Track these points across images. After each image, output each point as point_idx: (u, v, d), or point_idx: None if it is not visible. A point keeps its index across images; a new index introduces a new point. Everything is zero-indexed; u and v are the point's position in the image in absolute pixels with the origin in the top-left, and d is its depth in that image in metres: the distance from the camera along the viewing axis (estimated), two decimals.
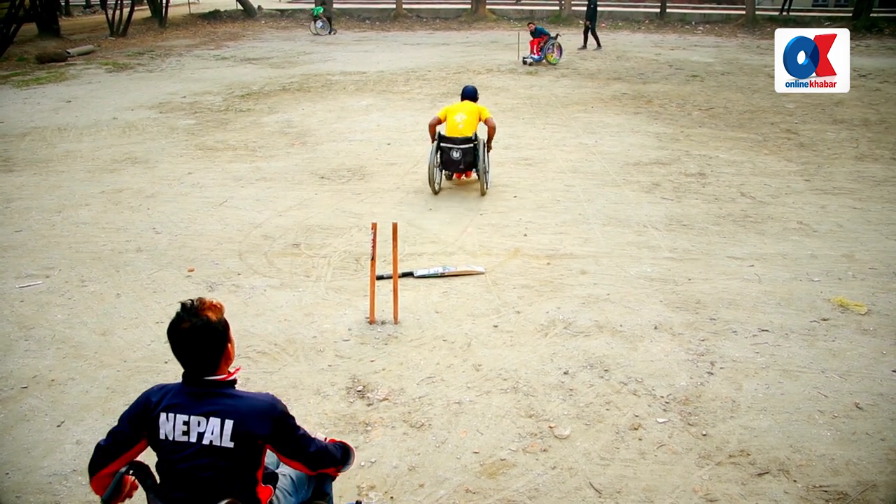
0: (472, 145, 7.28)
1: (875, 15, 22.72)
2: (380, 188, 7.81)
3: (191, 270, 5.76)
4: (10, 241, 6.39)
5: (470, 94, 7.66)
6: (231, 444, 2.14)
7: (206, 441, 2.15)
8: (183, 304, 2.16)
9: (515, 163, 8.73)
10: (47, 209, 7.20)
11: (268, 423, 2.17)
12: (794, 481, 3.40)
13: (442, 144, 7.33)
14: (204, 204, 7.33)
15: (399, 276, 5.12)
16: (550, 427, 3.81)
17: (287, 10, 29.45)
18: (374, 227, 4.79)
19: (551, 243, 6.29)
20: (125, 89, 13.87)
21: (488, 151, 7.55)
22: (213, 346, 2.16)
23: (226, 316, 2.22)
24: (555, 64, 16.55)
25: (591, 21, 19.18)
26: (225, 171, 8.49)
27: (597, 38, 19.37)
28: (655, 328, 4.83)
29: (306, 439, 2.31)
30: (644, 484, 3.39)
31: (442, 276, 5.65)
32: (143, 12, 26.66)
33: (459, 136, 7.24)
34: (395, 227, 4.91)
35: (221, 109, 11.97)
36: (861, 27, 21.87)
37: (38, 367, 4.41)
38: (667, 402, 4.01)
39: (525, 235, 6.48)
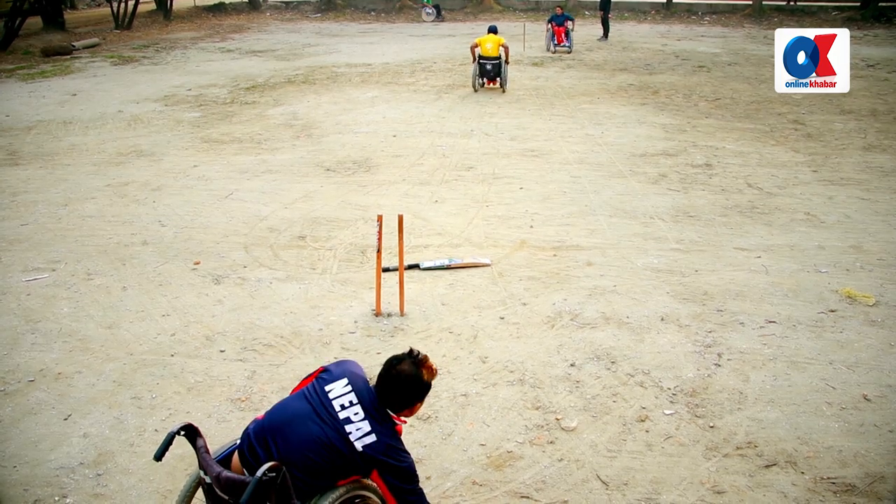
0: (498, 62, 12.17)
1: (884, 4, 22.48)
2: (385, 180, 7.80)
3: (197, 263, 5.77)
4: (17, 235, 6.41)
5: (493, 30, 12.62)
6: (360, 451, 2.38)
7: (348, 430, 2.39)
8: (412, 350, 2.51)
9: (521, 154, 8.70)
10: (53, 202, 7.22)
11: (378, 458, 2.40)
12: (802, 473, 3.39)
13: (481, 61, 12.22)
14: (209, 196, 7.33)
15: (405, 269, 5.12)
16: (557, 419, 3.81)
17: (292, 1, 29.36)
18: (379, 219, 4.78)
19: (557, 235, 6.28)
20: (130, 82, 13.87)
21: (507, 64, 12.34)
22: (408, 395, 2.47)
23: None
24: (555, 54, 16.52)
25: (604, 11, 19.09)
26: (230, 163, 8.49)
27: (606, 28, 19.25)
28: (662, 320, 4.81)
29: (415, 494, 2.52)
30: (651, 476, 3.39)
31: (448, 268, 5.64)
32: (147, 5, 26.63)
33: (491, 56, 12.16)
34: (400, 219, 4.90)
35: (227, 102, 11.96)
36: (869, 17, 21.69)
37: (44, 360, 4.42)
38: (674, 394, 4.00)
39: (531, 227, 6.46)
